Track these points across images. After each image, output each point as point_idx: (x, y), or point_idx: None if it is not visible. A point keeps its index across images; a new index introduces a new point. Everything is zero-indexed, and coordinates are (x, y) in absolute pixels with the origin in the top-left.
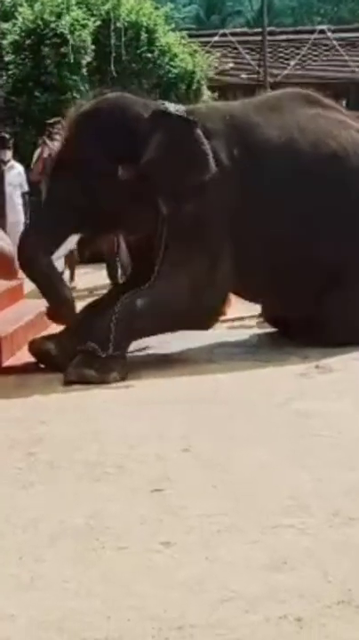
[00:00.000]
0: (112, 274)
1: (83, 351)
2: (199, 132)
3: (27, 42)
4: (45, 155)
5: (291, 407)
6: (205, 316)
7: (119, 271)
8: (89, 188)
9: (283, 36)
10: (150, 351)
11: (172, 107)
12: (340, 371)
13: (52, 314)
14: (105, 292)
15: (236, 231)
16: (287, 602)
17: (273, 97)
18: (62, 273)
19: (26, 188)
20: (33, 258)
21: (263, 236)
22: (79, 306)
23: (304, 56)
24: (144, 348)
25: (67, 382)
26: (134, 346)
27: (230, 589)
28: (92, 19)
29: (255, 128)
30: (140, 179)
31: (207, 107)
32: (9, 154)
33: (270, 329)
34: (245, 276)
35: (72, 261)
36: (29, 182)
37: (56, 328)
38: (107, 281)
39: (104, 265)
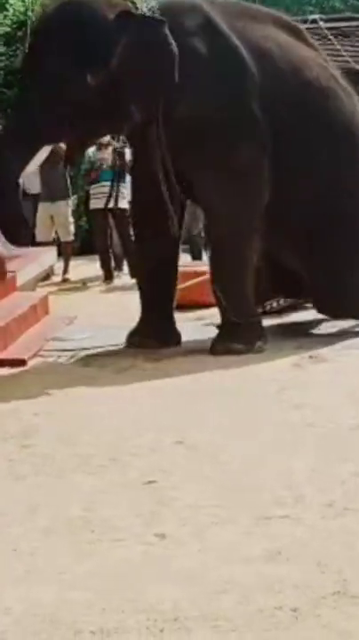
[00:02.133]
0: (105, 266)
1: (225, 324)
2: (166, 31)
3: (19, 34)
4: None
5: (284, 398)
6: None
7: (112, 263)
8: (60, 97)
9: None
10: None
11: (144, 7)
12: (333, 361)
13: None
14: (98, 282)
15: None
16: (282, 592)
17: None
18: (55, 265)
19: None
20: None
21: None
22: (72, 297)
23: None
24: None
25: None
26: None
27: (225, 580)
28: None
29: (235, 29)
30: (111, 83)
31: (182, 3)
32: None
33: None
34: None
35: (67, 253)
36: None
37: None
38: (100, 272)
39: (96, 257)
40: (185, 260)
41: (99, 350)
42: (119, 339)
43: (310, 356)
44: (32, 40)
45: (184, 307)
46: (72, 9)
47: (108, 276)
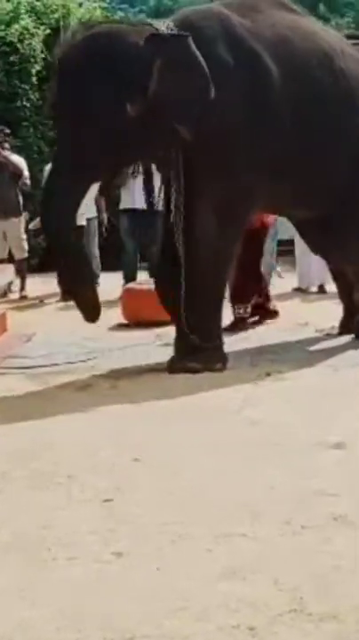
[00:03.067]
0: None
1: (185, 344)
2: (193, 46)
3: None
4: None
5: (242, 415)
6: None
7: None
8: (101, 130)
9: None
10: (100, 361)
11: (162, 25)
12: (292, 378)
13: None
14: (55, 300)
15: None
16: (240, 611)
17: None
18: (12, 282)
19: None
20: (59, 230)
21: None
22: (29, 315)
23: None
24: (93, 358)
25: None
26: (84, 356)
27: (183, 599)
28: (42, 27)
29: (249, 29)
30: (151, 108)
31: (196, 12)
32: None
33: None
34: (273, 186)
35: (23, 270)
36: None
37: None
38: (58, 289)
39: (54, 274)
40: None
41: (57, 368)
42: (77, 356)
43: (268, 374)
44: (63, 75)
45: (141, 324)
46: (101, 39)
47: (66, 294)
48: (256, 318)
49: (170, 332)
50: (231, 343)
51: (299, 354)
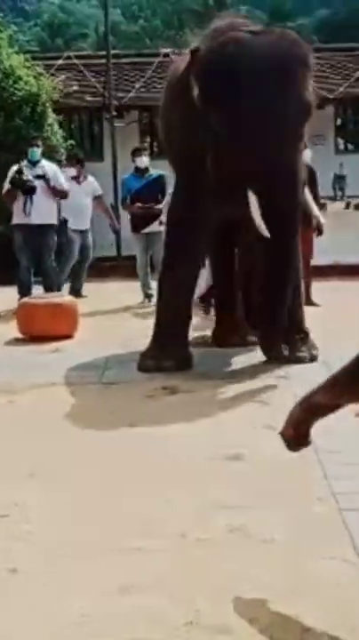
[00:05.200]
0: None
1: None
2: None
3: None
4: None
5: (138, 430)
6: None
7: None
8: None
9: (128, 60)
10: None
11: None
12: (187, 392)
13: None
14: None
15: None
16: (135, 625)
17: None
18: None
19: None
20: None
21: None
22: None
23: (149, 79)
24: None
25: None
26: None
27: (79, 614)
28: None
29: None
30: None
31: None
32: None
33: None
34: None
35: None
36: None
37: None
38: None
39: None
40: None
41: None
42: None
43: (163, 387)
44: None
45: (36, 338)
46: (288, 40)
47: None
48: None
49: (67, 345)
50: (126, 358)
51: (193, 367)
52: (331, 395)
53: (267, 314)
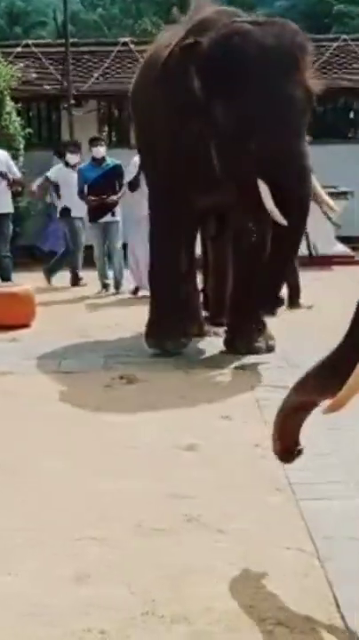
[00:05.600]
0: None
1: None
2: None
3: None
4: None
5: (95, 419)
6: None
7: None
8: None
9: (87, 48)
10: None
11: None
12: (144, 381)
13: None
14: None
15: None
16: (91, 614)
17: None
18: None
19: None
20: None
21: None
22: None
23: (107, 68)
24: None
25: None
26: None
27: (34, 604)
28: None
29: None
30: None
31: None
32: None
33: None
34: None
35: None
36: None
37: None
38: None
39: None
40: None
41: None
42: None
43: (121, 377)
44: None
45: None
46: (291, 30)
47: None
48: None
49: (24, 335)
50: (84, 347)
51: (151, 357)
52: (303, 392)
53: (267, 292)
